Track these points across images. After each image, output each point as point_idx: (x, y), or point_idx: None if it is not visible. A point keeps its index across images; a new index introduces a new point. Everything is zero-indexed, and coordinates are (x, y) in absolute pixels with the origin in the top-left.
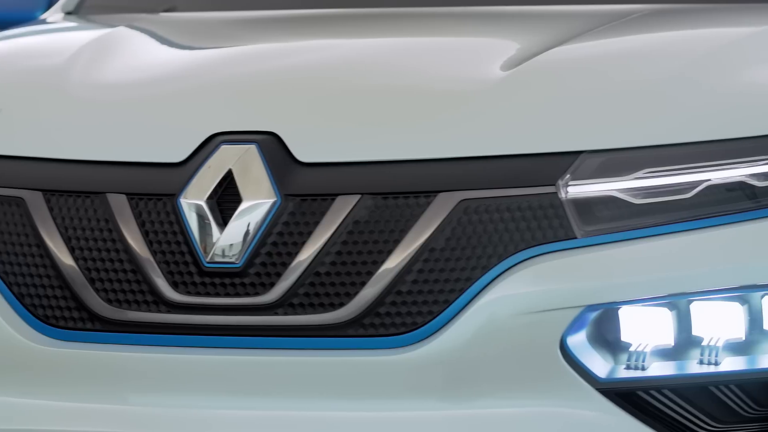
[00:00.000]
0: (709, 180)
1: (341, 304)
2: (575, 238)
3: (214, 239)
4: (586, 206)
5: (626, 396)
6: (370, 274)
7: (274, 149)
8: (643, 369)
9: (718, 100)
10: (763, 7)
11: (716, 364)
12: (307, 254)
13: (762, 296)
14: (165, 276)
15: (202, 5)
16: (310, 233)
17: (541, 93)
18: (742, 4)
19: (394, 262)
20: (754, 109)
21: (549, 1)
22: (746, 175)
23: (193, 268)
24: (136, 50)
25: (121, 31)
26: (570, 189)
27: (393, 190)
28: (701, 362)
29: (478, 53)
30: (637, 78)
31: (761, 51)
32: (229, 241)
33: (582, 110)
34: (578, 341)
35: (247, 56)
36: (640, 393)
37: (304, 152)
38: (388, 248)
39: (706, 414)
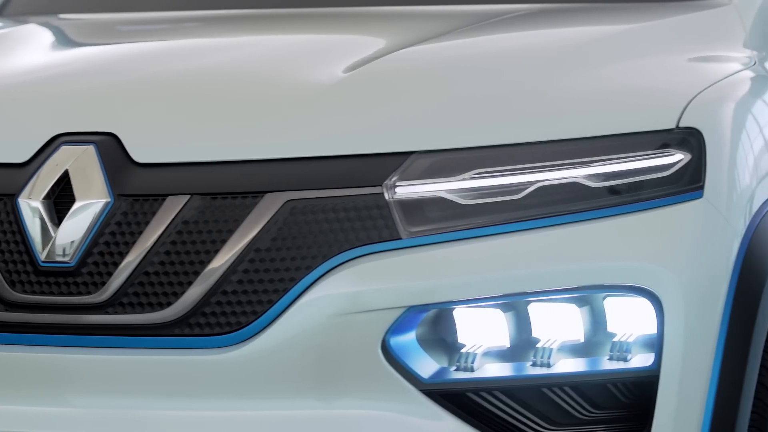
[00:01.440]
0: (541, 181)
1: (168, 304)
2: (400, 238)
3: (50, 239)
4: (413, 207)
5: (453, 398)
6: (197, 273)
7: (112, 150)
8: (473, 370)
9: (553, 102)
10: (647, 6)
11: (549, 365)
12: (136, 254)
13: (600, 297)
14: (3, 275)
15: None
16: (140, 233)
17: (376, 95)
18: (625, 4)
19: (220, 261)
20: (588, 110)
21: (428, 2)
22: (580, 176)
23: (29, 267)
24: (7, 50)
25: (10, 31)
26: (398, 190)
27: (221, 191)
28: (535, 364)
29: (328, 55)
30: (474, 79)
31: (608, 53)
32: (63, 240)
33: (414, 111)
34: (403, 342)
35: (99, 58)
36: (470, 395)
37: (140, 153)
38: (215, 248)
39: (540, 416)
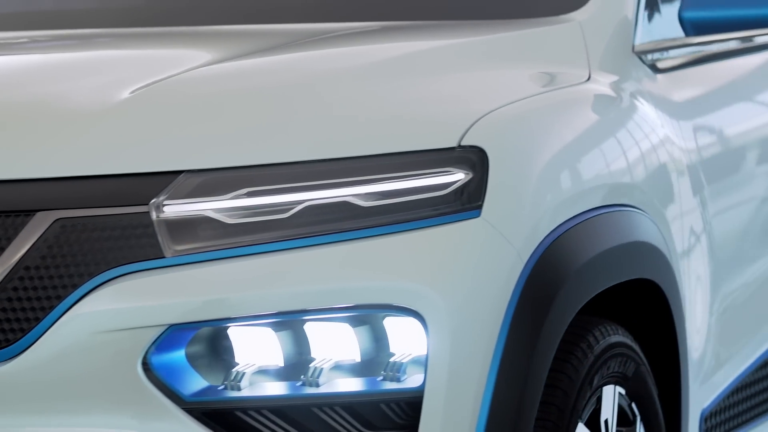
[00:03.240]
0: (309, 200)
1: None
2: (164, 257)
3: None
4: (179, 226)
5: (218, 416)
6: None
7: None
8: (240, 389)
9: (331, 121)
10: (488, 23)
11: (319, 385)
12: None
13: (377, 316)
14: None
15: None
16: None
17: (152, 115)
18: (466, 21)
19: None
20: (369, 129)
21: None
22: (350, 195)
23: None
24: None
25: None
26: (165, 209)
27: None
28: (306, 383)
29: (123, 74)
30: (251, 99)
31: (405, 71)
32: None
33: (187, 131)
34: (168, 360)
35: None
36: (239, 414)
37: None
38: None
39: None
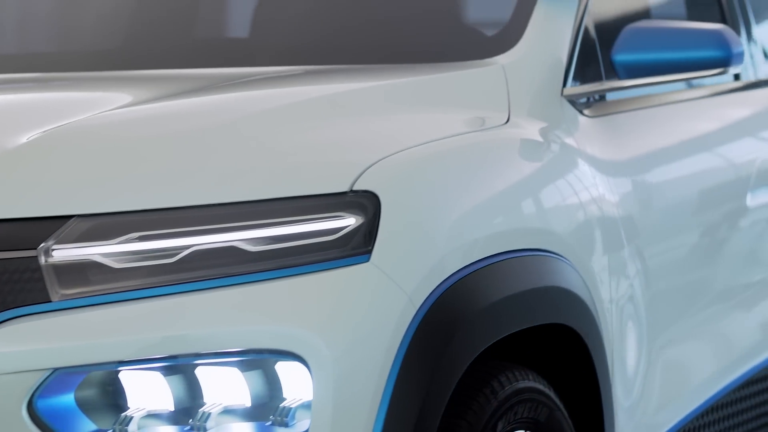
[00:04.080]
0: (196, 245)
1: None
2: (50, 301)
3: None
4: (67, 270)
5: None
6: None
7: None
8: None
9: (224, 165)
10: (410, 66)
11: (206, 430)
12: None
13: (269, 361)
14: None
15: None
16: None
17: (47, 159)
18: (389, 65)
19: None
20: (254, 174)
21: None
22: (237, 240)
23: None
24: None
25: None
26: (54, 253)
27: None
28: (194, 428)
29: (30, 118)
30: (145, 144)
31: (309, 115)
32: None
33: (79, 175)
34: (55, 403)
35: None
36: None
37: None
38: None
39: None
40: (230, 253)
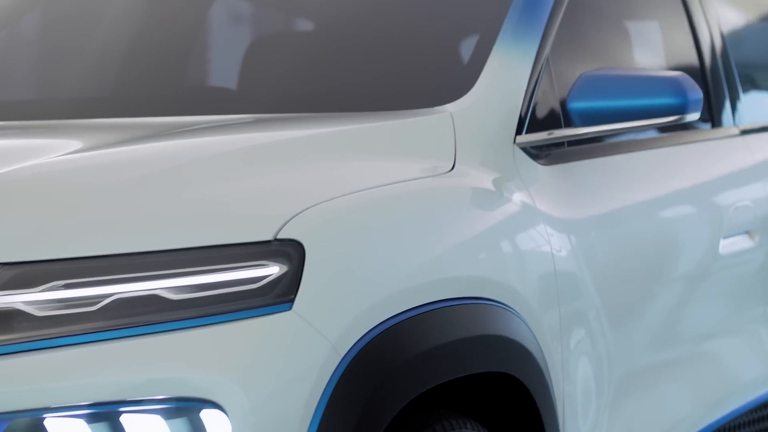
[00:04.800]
0: (118, 293)
1: None
2: None
3: None
4: None
5: None
6: None
7: None
8: None
9: (141, 214)
10: (356, 115)
11: None
12: None
13: (194, 409)
14: None
15: None
16: None
17: None
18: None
19: None
20: (179, 222)
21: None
22: (159, 288)
23: None
24: None
25: None
26: None
27: None
28: None
29: None
30: (72, 191)
31: (239, 163)
32: None
33: (4, 223)
34: None
35: None
36: None
37: None
38: None
39: None
40: (153, 301)
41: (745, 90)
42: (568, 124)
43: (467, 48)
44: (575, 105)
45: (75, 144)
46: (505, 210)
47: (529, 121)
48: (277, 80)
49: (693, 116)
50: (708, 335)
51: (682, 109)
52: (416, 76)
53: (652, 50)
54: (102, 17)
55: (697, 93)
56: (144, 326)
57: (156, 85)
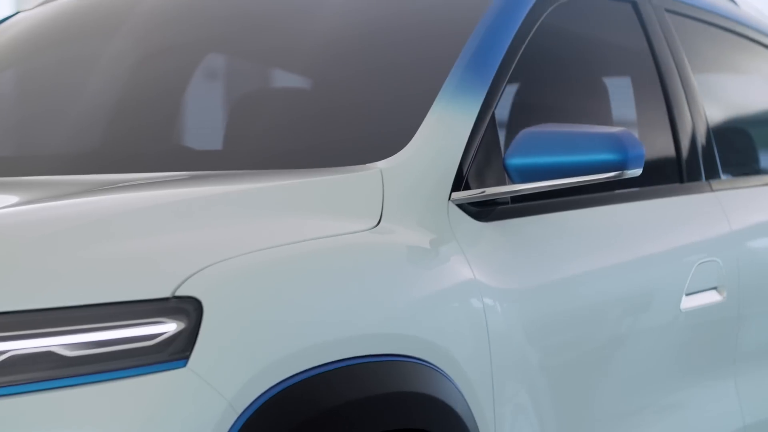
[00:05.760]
0: (14, 350)
1: None
2: None
3: None
4: None
5: None
6: None
7: None
8: None
9: (38, 270)
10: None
11: None
12: None
13: None
14: None
15: None
16: None
17: None
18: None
19: None
20: (70, 279)
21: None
22: (56, 345)
23: None
24: None
25: None
26: None
27: None
28: None
29: None
30: None
31: (147, 220)
32: None
33: None
34: None
35: None
36: None
37: None
38: None
39: None
40: (48, 358)
41: (721, 145)
42: (504, 181)
43: (410, 104)
44: (513, 161)
45: None
46: (430, 266)
47: (468, 178)
48: (219, 137)
49: (633, 172)
50: (668, 391)
51: (621, 166)
52: (354, 133)
53: (619, 105)
54: (53, 76)
55: (638, 149)
56: (39, 383)
57: (103, 141)
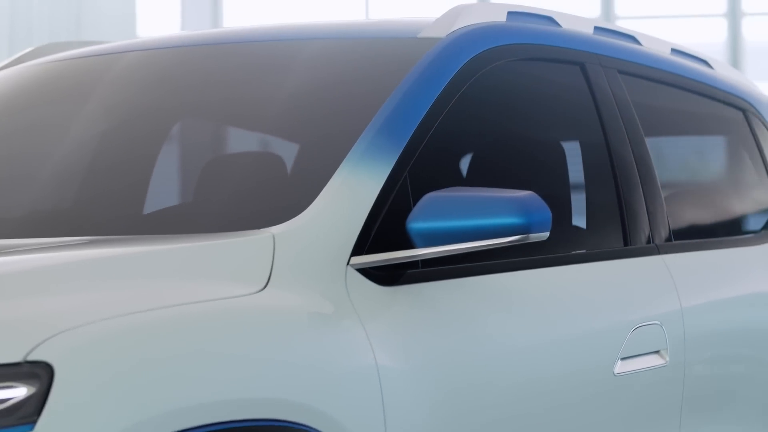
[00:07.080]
0: None
1: None
2: None
3: None
4: None
5: None
6: None
7: None
8: None
9: None
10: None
11: None
12: None
13: None
14: None
15: None
16: None
17: None
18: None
19: None
20: None
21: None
22: None
23: None
24: None
25: None
26: None
27: None
28: None
29: None
30: None
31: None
32: None
33: None
34: None
35: None
36: None
37: None
38: None
39: None
40: None
41: (672, 208)
42: (407, 245)
43: (317, 168)
44: (415, 225)
45: None
46: (319, 331)
47: (373, 242)
48: (117, 201)
49: (539, 236)
50: None
51: (525, 229)
52: (257, 198)
53: (558, 168)
54: None
55: (543, 213)
56: None
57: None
